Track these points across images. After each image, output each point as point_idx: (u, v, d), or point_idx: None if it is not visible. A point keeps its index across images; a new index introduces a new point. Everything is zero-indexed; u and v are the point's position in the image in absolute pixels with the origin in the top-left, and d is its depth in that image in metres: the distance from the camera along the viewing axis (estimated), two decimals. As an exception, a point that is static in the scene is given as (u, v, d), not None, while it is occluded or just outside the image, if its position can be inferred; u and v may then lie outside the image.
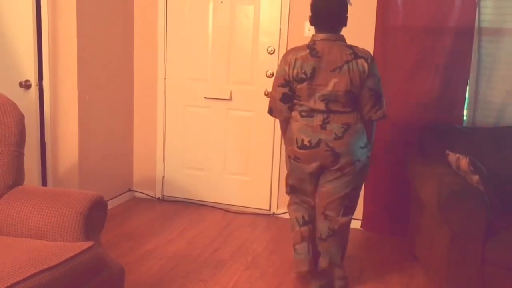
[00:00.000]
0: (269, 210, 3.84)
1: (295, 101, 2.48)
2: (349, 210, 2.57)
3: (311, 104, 2.42)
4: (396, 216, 3.48)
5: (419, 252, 2.94)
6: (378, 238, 3.46)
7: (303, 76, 2.39)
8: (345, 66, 2.37)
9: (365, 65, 2.37)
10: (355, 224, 3.60)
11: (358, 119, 2.45)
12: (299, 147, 2.46)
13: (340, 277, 2.63)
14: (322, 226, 2.57)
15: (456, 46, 3.24)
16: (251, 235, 3.42)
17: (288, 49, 3.52)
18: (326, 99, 2.39)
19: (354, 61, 2.36)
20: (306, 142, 2.43)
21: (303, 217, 2.63)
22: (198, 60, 3.83)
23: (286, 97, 2.48)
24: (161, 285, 2.63)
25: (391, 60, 3.36)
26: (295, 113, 2.49)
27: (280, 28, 3.59)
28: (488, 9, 3.19)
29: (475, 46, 3.21)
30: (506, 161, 2.83)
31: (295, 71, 2.40)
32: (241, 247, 3.19)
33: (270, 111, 2.59)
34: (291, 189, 2.67)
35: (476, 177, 2.40)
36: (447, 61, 3.27)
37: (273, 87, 2.53)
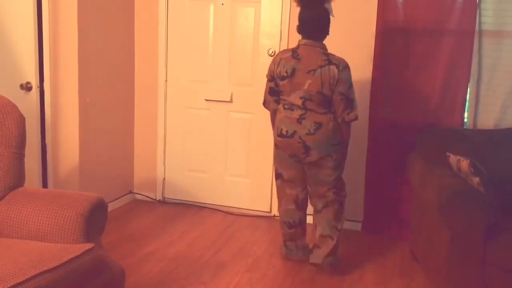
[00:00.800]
0: (270, 212, 3.84)
1: (280, 96, 2.82)
2: (337, 191, 2.85)
3: (291, 99, 2.75)
4: (397, 218, 3.48)
5: (419, 254, 2.94)
6: (379, 240, 3.46)
7: (285, 74, 2.73)
8: (318, 70, 2.67)
9: (336, 71, 2.66)
10: (356, 226, 3.61)
11: (331, 119, 2.73)
12: (278, 135, 2.81)
13: (331, 253, 2.85)
14: (317, 201, 2.90)
15: (457, 48, 3.24)
16: (252, 237, 3.42)
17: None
18: (303, 97, 2.71)
19: (326, 67, 2.67)
20: (284, 132, 2.77)
21: (288, 222, 2.97)
22: (198, 62, 3.84)
23: (273, 91, 2.86)
24: (161, 287, 2.63)
25: (392, 62, 3.36)
26: (280, 106, 2.84)
27: (281, 30, 3.60)
28: (488, 12, 3.19)
29: (475, 48, 3.22)
30: (507, 163, 2.83)
31: (279, 69, 2.77)
32: (242, 249, 3.19)
33: (264, 102, 2.97)
34: (278, 176, 2.95)
35: (476, 179, 2.40)
36: (448, 63, 3.27)
37: (267, 82, 2.90)
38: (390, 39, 3.34)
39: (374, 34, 3.37)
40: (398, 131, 3.41)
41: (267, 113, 3.69)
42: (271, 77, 2.84)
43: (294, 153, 2.78)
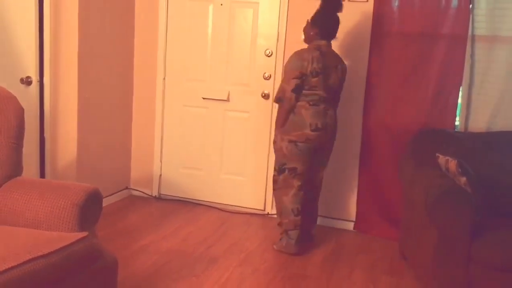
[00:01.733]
0: (264, 210, 3.89)
1: (305, 91, 2.99)
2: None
3: (322, 93, 3.00)
4: (388, 218, 3.54)
5: (408, 252, 2.99)
6: (370, 239, 3.51)
7: (318, 70, 2.96)
8: (339, 66, 3.10)
9: (345, 68, 3.17)
10: (348, 225, 3.66)
11: (335, 108, 3.18)
12: (313, 130, 3.00)
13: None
14: (317, 192, 3.29)
15: (450, 52, 3.30)
16: (245, 233, 3.47)
17: (285, 51, 3.61)
18: (330, 91, 3.05)
19: (340, 65, 3.11)
20: (319, 125, 3.00)
21: (297, 208, 3.11)
22: (197, 61, 3.90)
23: (298, 88, 2.98)
24: (154, 278, 2.69)
25: (385, 65, 3.42)
26: (303, 103, 3.00)
27: (278, 32, 3.66)
28: (481, 17, 3.25)
29: (468, 53, 3.28)
30: (496, 165, 2.88)
31: (313, 66, 2.95)
32: (235, 245, 3.24)
33: (279, 100, 3.04)
34: (291, 171, 3.07)
35: (463, 179, 2.46)
36: (441, 67, 3.33)
37: (286, 80, 3.00)
38: (385, 42, 3.40)
39: (370, 37, 3.43)
40: (391, 133, 3.47)
41: (263, 113, 3.77)
42: (301, 74, 2.95)
43: (323, 144, 3.10)
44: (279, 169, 3.12)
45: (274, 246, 3.21)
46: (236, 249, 3.18)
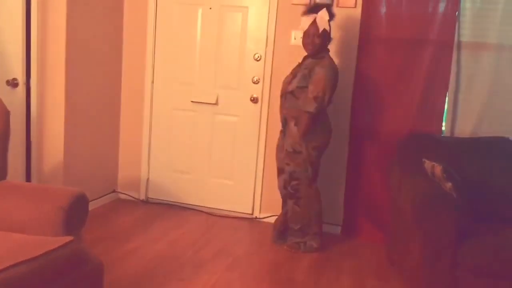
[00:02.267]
0: (252, 214, 3.89)
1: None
2: None
3: None
4: (376, 223, 3.55)
5: (395, 258, 3.01)
6: (357, 244, 3.52)
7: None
8: None
9: None
10: (335, 229, 3.67)
11: None
12: (331, 134, 3.22)
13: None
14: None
15: (436, 58, 3.34)
16: (233, 238, 3.46)
17: (273, 55, 3.63)
18: None
19: None
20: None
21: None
22: (185, 64, 3.89)
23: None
24: (141, 282, 2.67)
25: (373, 70, 3.45)
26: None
27: (267, 36, 3.67)
28: (467, 24, 3.30)
29: (454, 59, 3.32)
30: (482, 170, 2.91)
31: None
32: (222, 249, 3.23)
33: (318, 112, 3.06)
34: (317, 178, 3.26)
35: (449, 184, 2.48)
36: (427, 73, 3.37)
37: (326, 91, 3.03)
38: (372, 48, 3.43)
39: (357, 43, 3.45)
40: (379, 138, 3.49)
41: (252, 117, 3.78)
42: (336, 85, 3.12)
43: None
44: (311, 178, 3.17)
45: (300, 251, 3.26)
46: (223, 253, 3.17)
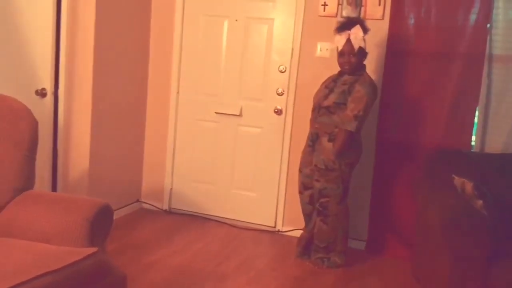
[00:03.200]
0: (274, 227, 3.85)
1: None
2: None
3: None
4: (401, 239, 3.47)
5: (421, 275, 2.92)
6: (382, 259, 3.44)
7: None
8: None
9: None
10: (359, 244, 3.60)
11: None
12: (362, 150, 3.17)
13: None
14: None
15: (466, 71, 3.26)
16: (255, 251, 3.43)
17: (299, 67, 3.61)
18: None
19: None
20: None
21: None
22: (210, 75, 3.90)
23: None
24: (162, 295, 2.66)
25: (400, 83, 3.39)
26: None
27: (292, 48, 3.65)
28: (499, 36, 3.22)
29: (485, 72, 3.24)
30: (513, 187, 2.82)
31: None
32: (244, 263, 3.20)
33: (358, 130, 3.01)
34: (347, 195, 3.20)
35: (480, 202, 2.40)
36: (457, 86, 3.28)
37: (365, 109, 2.97)
38: (400, 60, 3.37)
39: (384, 55, 3.40)
40: (406, 152, 3.42)
41: (276, 128, 3.75)
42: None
43: None
44: (343, 196, 3.12)
45: (324, 266, 3.20)
46: (245, 266, 3.13)
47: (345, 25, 3.03)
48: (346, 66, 3.05)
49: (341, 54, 3.05)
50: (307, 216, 3.31)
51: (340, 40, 3.03)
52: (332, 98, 3.05)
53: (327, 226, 3.14)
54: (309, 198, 3.24)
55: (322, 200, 3.11)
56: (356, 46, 2.99)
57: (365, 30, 3.02)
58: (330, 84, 3.15)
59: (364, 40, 3.02)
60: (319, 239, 3.18)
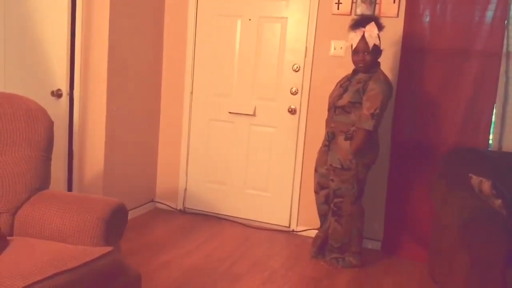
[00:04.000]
0: (289, 227, 3.83)
1: None
2: None
3: None
4: (417, 239, 3.43)
5: (438, 276, 2.88)
6: (398, 260, 3.40)
7: None
8: None
9: None
10: (375, 245, 3.56)
11: None
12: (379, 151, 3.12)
13: None
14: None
15: (483, 69, 3.21)
16: (269, 251, 3.42)
17: (313, 66, 3.58)
18: None
19: None
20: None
21: None
22: (224, 75, 3.90)
23: None
24: (177, 295, 2.66)
25: (416, 82, 3.35)
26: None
27: (306, 47, 3.63)
28: (517, 34, 3.16)
29: (502, 70, 3.18)
30: (532, 187, 2.77)
31: None
32: (258, 263, 3.19)
33: (375, 129, 2.98)
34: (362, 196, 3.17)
35: (498, 201, 2.36)
36: (474, 84, 3.24)
37: (381, 107, 2.93)
38: (416, 58, 3.33)
39: (399, 53, 3.37)
40: (421, 151, 3.38)
41: (290, 128, 3.74)
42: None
43: None
44: (357, 196, 3.09)
45: (339, 266, 3.19)
46: (259, 267, 3.13)
47: (360, 22, 2.99)
48: (360, 64, 3.02)
49: (355, 51, 3.02)
50: (323, 216, 3.29)
51: (354, 38, 2.99)
52: (346, 97, 3.02)
53: (341, 227, 3.11)
54: (325, 198, 3.22)
55: (336, 200, 3.09)
56: (370, 44, 2.95)
57: (380, 27, 2.98)
58: (345, 83, 3.12)
59: (379, 37, 2.98)
60: (334, 239, 3.16)
